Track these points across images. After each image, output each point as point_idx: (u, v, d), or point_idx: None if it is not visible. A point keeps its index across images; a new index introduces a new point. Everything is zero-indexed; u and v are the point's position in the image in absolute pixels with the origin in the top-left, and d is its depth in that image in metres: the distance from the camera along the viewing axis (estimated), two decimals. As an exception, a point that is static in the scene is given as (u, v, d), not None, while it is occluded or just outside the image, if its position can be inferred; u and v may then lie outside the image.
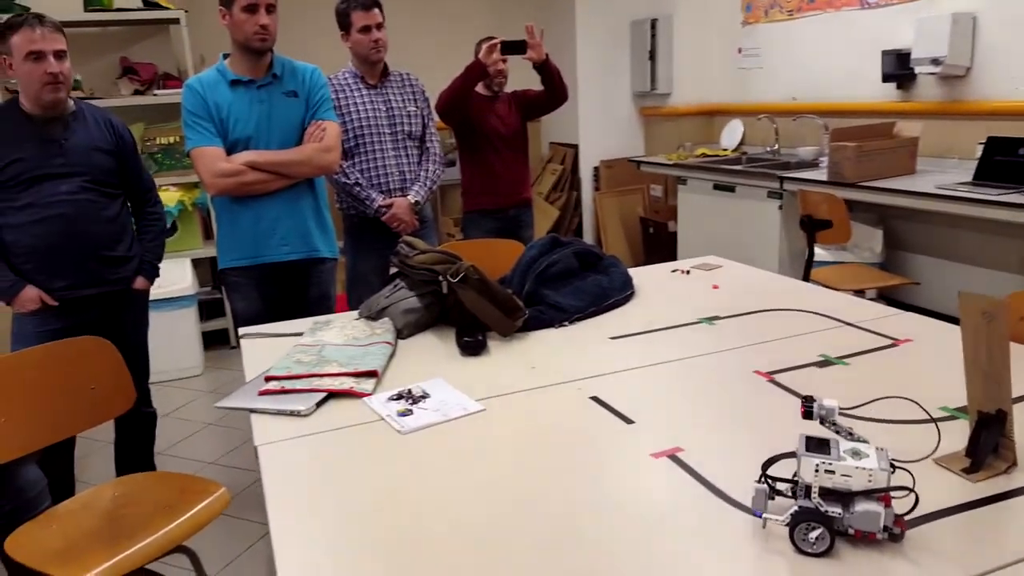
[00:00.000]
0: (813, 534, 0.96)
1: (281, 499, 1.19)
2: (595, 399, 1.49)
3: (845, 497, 0.97)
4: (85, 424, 1.96)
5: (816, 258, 3.66)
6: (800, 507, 0.98)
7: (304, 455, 1.33)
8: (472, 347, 1.75)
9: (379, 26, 2.89)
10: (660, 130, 5.55)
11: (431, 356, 1.77)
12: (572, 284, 2.05)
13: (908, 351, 1.67)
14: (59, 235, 2.30)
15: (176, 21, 4.14)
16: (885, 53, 4.01)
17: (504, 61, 3.35)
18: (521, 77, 3.72)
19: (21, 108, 2.31)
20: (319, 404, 1.50)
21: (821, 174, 3.90)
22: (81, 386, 1.92)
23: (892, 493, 0.97)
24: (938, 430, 1.17)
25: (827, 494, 0.98)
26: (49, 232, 2.29)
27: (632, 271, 2.28)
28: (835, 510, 0.97)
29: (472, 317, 1.82)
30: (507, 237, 3.05)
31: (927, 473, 1.15)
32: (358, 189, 2.93)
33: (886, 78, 4.05)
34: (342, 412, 1.48)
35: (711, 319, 1.94)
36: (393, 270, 2.02)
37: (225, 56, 2.47)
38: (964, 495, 1.10)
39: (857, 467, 0.96)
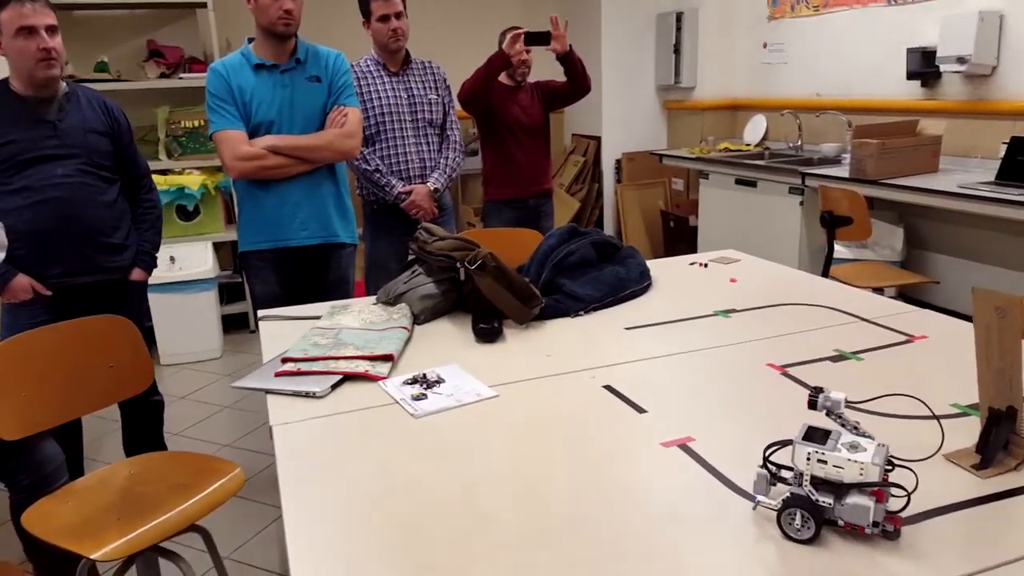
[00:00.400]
0: (798, 520, 0.98)
1: (294, 478, 1.20)
2: (608, 388, 1.49)
3: (840, 489, 0.98)
4: (103, 402, 2.00)
5: (836, 255, 3.63)
6: (792, 493, 1.00)
7: (318, 436, 1.34)
8: (488, 334, 1.76)
9: (399, 15, 2.90)
10: (683, 124, 5.52)
11: (447, 342, 1.78)
12: (589, 274, 2.05)
13: (923, 348, 1.66)
14: (54, 219, 2.23)
15: (203, 5, 4.18)
16: (910, 51, 3.96)
17: (528, 52, 3.35)
18: (545, 68, 3.72)
19: (11, 89, 2.25)
20: (334, 386, 1.51)
21: (843, 171, 3.87)
22: (99, 364, 1.95)
23: (890, 490, 0.97)
24: (941, 428, 1.16)
25: (822, 484, 0.98)
26: (44, 216, 2.23)
27: (650, 263, 2.27)
28: (827, 500, 0.98)
29: (488, 304, 1.82)
30: (527, 227, 3.06)
31: (937, 469, 1.14)
32: (378, 176, 2.95)
33: (910, 76, 4.00)
34: (357, 395, 1.49)
35: (727, 312, 1.94)
36: (411, 256, 2.03)
37: (250, 40, 2.49)
38: (973, 491, 1.09)
39: (849, 459, 0.96)
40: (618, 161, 5.51)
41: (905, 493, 0.98)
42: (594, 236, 2.16)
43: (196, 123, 4.25)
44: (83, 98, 2.35)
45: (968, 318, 1.68)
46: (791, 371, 1.55)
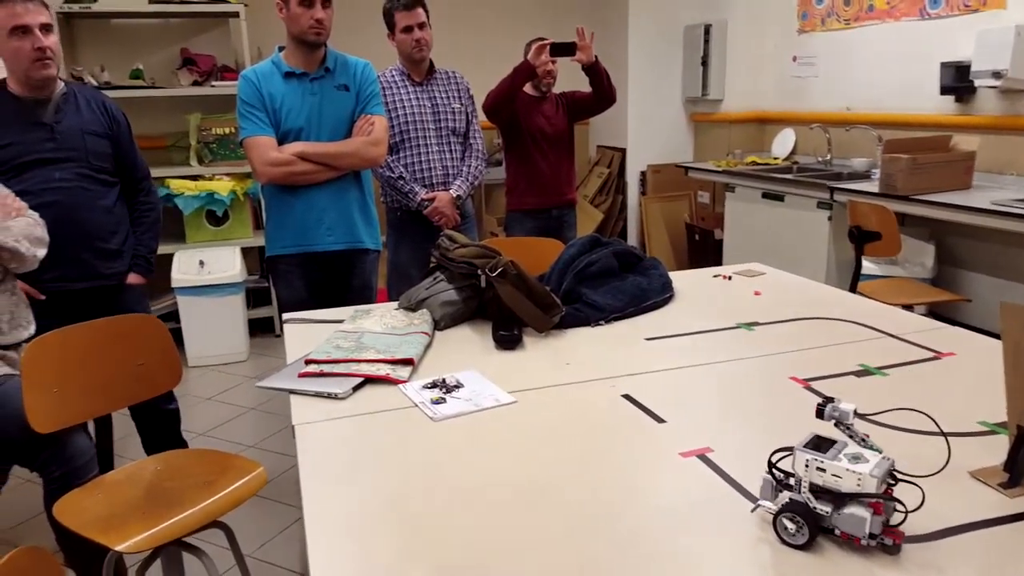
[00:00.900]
0: (792, 525, 0.99)
1: (315, 476, 1.22)
2: (627, 397, 1.49)
3: (840, 498, 0.98)
4: (134, 398, 2.04)
5: (865, 271, 3.59)
6: (791, 499, 1.00)
7: (339, 436, 1.36)
8: (507, 341, 1.77)
9: (421, 25, 2.94)
10: (710, 136, 5.50)
11: (467, 348, 1.79)
12: (610, 284, 2.05)
13: (950, 365, 1.63)
14: (52, 224, 2.15)
15: (236, 14, 4.26)
16: (944, 65, 3.92)
17: (553, 62, 3.37)
18: (571, 78, 3.73)
19: (8, 91, 2.24)
20: (356, 388, 1.53)
21: (873, 186, 3.83)
22: (130, 361, 1.99)
23: (893, 504, 0.97)
24: (948, 445, 1.14)
25: (824, 493, 0.99)
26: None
27: (673, 274, 2.27)
28: (824, 509, 0.98)
29: (509, 312, 1.83)
30: (549, 237, 3.07)
31: (961, 487, 1.13)
32: (402, 183, 2.98)
33: (944, 90, 3.95)
34: (377, 397, 1.51)
35: (750, 325, 1.93)
36: (433, 263, 2.05)
37: (280, 49, 2.54)
38: (998, 510, 1.07)
39: (847, 469, 0.96)
40: (643, 173, 5.50)
41: (903, 508, 0.98)
42: (616, 246, 2.16)
43: (227, 130, 4.32)
44: (81, 99, 2.34)
45: (1000, 336, 1.66)
46: (814, 385, 1.53)
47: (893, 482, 0.99)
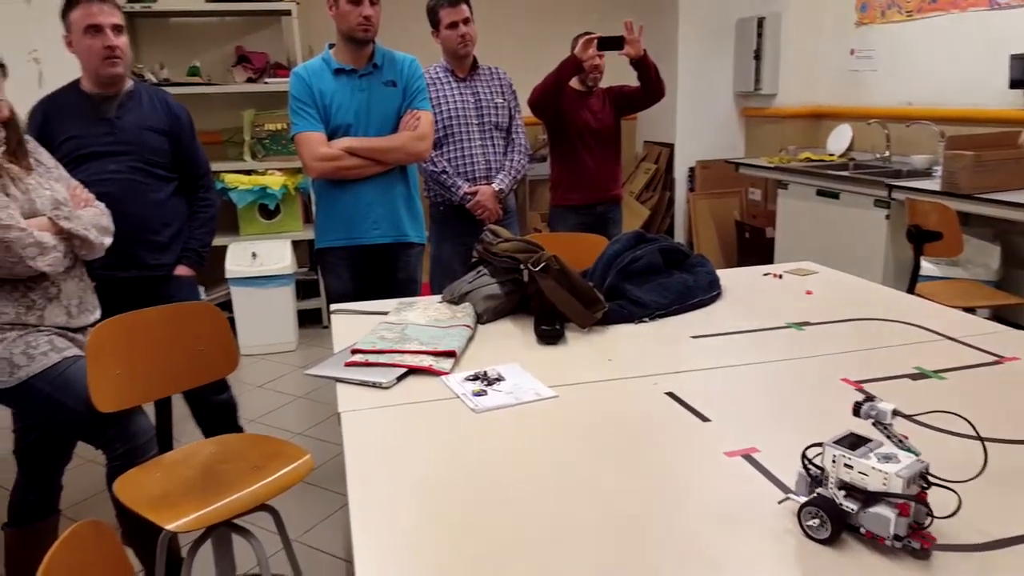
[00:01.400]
0: (815, 520, 0.99)
1: (360, 462, 1.24)
2: (671, 395, 1.47)
3: (870, 497, 0.97)
4: (193, 382, 2.11)
5: (924, 272, 3.48)
6: (819, 494, 1.00)
7: (383, 424, 1.38)
8: (549, 336, 1.76)
9: (466, 21, 2.95)
10: (762, 132, 5.40)
11: (509, 342, 1.79)
12: (655, 280, 2.02)
13: (1013, 369, 1.57)
14: None
15: (288, 12, 4.33)
16: (1014, 57, 3.76)
17: (600, 57, 3.34)
18: (619, 72, 3.70)
19: (81, 88, 2.36)
20: (400, 378, 1.55)
21: (934, 184, 3.70)
22: (190, 347, 2.05)
23: (916, 505, 0.95)
24: (985, 450, 1.08)
25: (854, 490, 0.98)
26: None
27: (721, 272, 2.23)
28: (852, 506, 0.97)
29: (551, 307, 1.83)
30: (594, 234, 3.05)
31: (1011, 497, 1.08)
32: (444, 177, 3.00)
33: (1014, 84, 3.79)
34: (420, 387, 1.52)
35: (800, 324, 1.88)
36: (475, 257, 2.05)
37: (330, 46, 2.57)
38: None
39: (874, 467, 0.95)
40: (691, 169, 5.43)
41: (928, 511, 0.96)
42: (662, 242, 2.13)
43: (279, 126, 4.41)
44: (145, 96, 2.42)
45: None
46: (867, 387, 1.49)
47: (926, 485, 0.96)
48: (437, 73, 3.07)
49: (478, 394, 1.47)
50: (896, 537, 0.94)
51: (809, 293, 2.16)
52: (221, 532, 1.84)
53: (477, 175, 3.06)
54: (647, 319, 1.92)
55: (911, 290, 3.35)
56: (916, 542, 0.94)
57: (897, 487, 0.94)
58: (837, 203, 4.21)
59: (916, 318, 1.90)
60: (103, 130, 2.32)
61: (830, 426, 1.32)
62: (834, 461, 0.99)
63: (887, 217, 3.89)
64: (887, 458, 0.97)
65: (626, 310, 1.92)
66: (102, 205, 2.03)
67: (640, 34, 3.20)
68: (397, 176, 2.60)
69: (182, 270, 2.51)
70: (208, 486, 1.78)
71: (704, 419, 1.37)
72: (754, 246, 5.04)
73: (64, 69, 3.62)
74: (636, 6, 5.41)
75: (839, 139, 4.96)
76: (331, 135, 2.51)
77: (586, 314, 1.83)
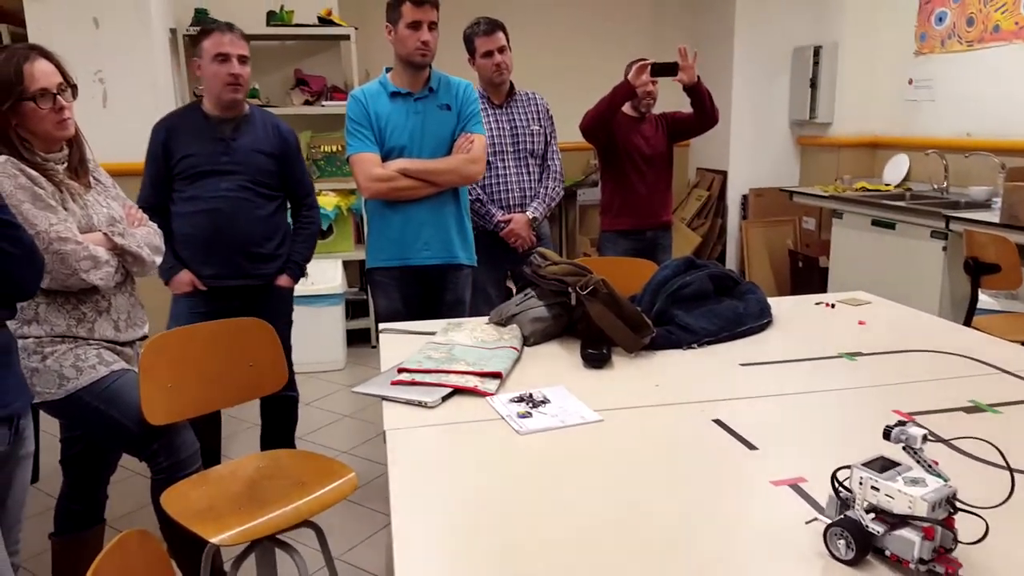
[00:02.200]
0: (841, 541, 0.99)
1: (403, 480, 1.25)
2: (718, 422, 1.46)
3: (897, 520, 0.96)
4: (241, 397, 2.15)
5: (981, 305, 3.37)
6: (846, 515, 1.00)
7: (427, 443, 1.39)
8: (596, 360, 1.76)
9: (501, 50, 2.99)
10: (817, 161, 5.33)
11: (555, 365, 1.79)
12: (705, 307, 2.01)
13: (1077, 407, 1.51)
14: (212, 228, 2.51)
15: (347, 37, 4.45)
16: (1080, 87, 3.66)
17: (654, 83, 3.35)
18: (672, 99, 3.70)
19: (202, 109, 2.56)
20: (445, 398, 1.56)
21: (993, 215, 3.59)
22: (241, 362, 2.10)
23: (943, 530, 0.94)
24: (1012, 478, 1.04)
25: (880, 513, 0.98)
26: (204, 224, 2.52)
27: (772, 300, 2.20)
28: (878, 528, 0.97)
29: (598, 330, 1.82)
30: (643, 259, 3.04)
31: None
32: (478, 205, 3.02)
33: (1079, 115, 3.68)
34: (465, 408, 1.53)
35: (852, 355, 1.84)
36: (510, 280, 2.06)
37: (388, 70, 2.64)
38: None
39: (900, 490, 0.95)
40: (745, 196, 5.38)
41: (952, 536, 0.95)
42: (712, 269, 2.11)
43: (334, 148, 4.51)
44: (259, 120, 2.61)
45: None
46: (919, 419, 1.45)
47: (952, 511, 0.96)
48: None
49: (523, 416, 1.47)
50: (921, 561, 0.94)
51: (862, 323, 2.12)
52: (265, 547, 1.86)
53: (512, 203, 3.08)
54: (695, 345, 1.91)
55: (968, 323, 3.25)
56: (941, 566, 0.94)
57: (922, 510, 0.93)
58: (893, 233, 4.11)
59: (972, 351, 1.84)
60: (219, 150, 2.52)
61: (882, 459, 1.28)
62: (861, 483, 0.99)
63: (944, 249, 3.79)
64: (915, 482, 0.97)
65: (674, 336, 1.91)
66: (154, 226, 2.12)
67: (694, 60, 3.20)
68: (449, 198, 2.64)
69: (283, 280, 2.69)
70: (253, 501, 1.81)
71: (751, 447, 1.35)
72: (807, 275, 4.96)
73: (127, 90, 3.80)
74: (692, 32, 5.44)
75: (896, 169, 4.86)
76: (386, 156, 2.56)
77: (633, 339, 1.83)
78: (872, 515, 0.98)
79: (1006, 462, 1.07)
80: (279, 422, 2.85)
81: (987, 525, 0.96)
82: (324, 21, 4.44)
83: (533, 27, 5.11)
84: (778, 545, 1.05)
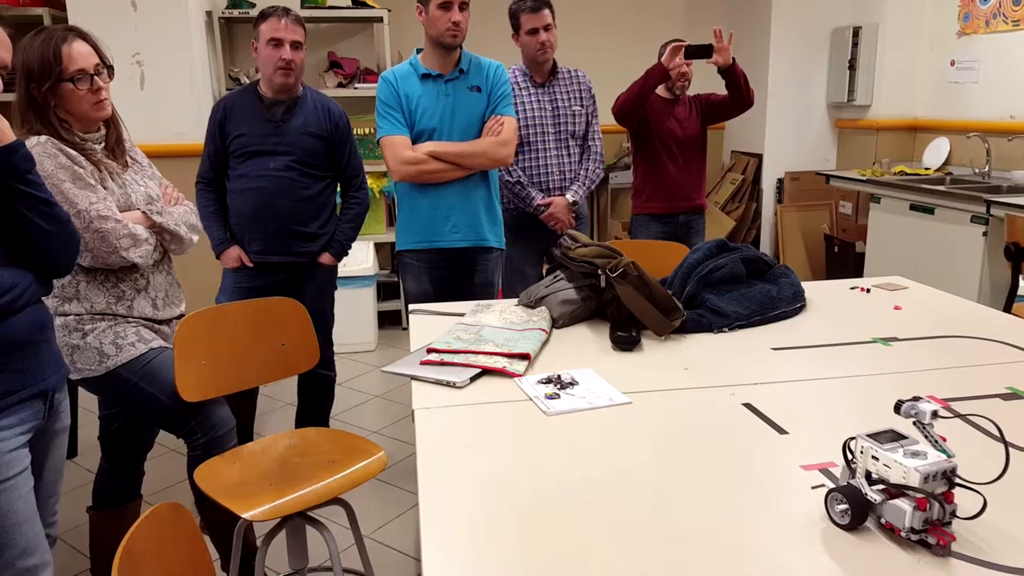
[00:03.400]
0: (840, 507, 1.03)
1: (431, 459, 1.26)
2: (748, 406, 1.44)
3: (893, 488, 1.00)
4: (273, 376, 2.18)
5: (1022, 291, 3.29)
6: (848, 482, 1.05)
7: (455, 423, 1.40)
8: (625, 342, 1.75)
9: (547, 28, 2.95)
10: (855, 144, 5.22)
11: (584, 347, 1.79)
12: (737, 290, 1.99)
13: (1122, 396, 1.47)
14: (258, 205, 2.60)
15: (380, 19, 4.45)
16: None
17: (688, 65, 3.30)
18: (707, 80, 3.65)
19: (258, 91, 2.64)
20: (473, 379, 1.57)
21: (1038, 200, 3.50)
22: (273, 341, 2.14)
23: (940, 504, 0.97)
24: (1007, 455, 1.03)
25: (879, 482, 1.01)
26: (251, 201, 2.60)
27: (806, 284, 2.17)
28: (876, 496, 1.00)
29: (628, 313, 1.82)
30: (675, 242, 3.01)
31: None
32: (519, 187, 3.01)
33: None
34: (494, 388, 1.54)
35: (887, 340, 1.81)
36: (547, 262, 2.05)
37: (418, 51, 2.63)
38: None
39: (896, 460, 0.99)
40: (780, 180, 5.29)
41: (948, 507, 0.98)
42: (744, 252, 2.09)
43: (367, 130, 4.52)
44: (310, 103, 2.67)
45: None
46: (954, 406, 1.43)
47: (949, 486, 0.99)
48: (516, 77, 3.07)
49: (551, 397, 1.47)
50: (912, 530, 0.97)
51: (898, 308, 2.08)
52: (295, 523, 1.89)
53: (552, 185, 3.06)
54: (726, 329, 1.89)
55: (1007, 309, 3.17)
56: (933, 538, 0.97)
57: (915, 481, 0.97)
58: (932, 218, 4.02)
59: (1011, 337, 1.80)
60: (270, 131, 2.60)
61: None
62: (862, 452, 1.03)
63: (984, 234, 3.70)
64: (915, 454, 0.99)
65: (705, 319, 1.89)
66: (191, 204, 2.16)
67: (729, 42, 3.14)
68: (478, 181, 2.63)
69: (326, 259, 2.75)
70: (284, 477, 1.84)
71: (782, 431, 1.34)
72: (843, 260, 4.87)
73: (164, 73, 3.85)
74: (729, 13, 5.34)
75: (936, 152, 4.75)
76: (416, 139, 2.56)
77: (663, 321, 1.81)
78: (879, 486, 1.01)
79: (1002, 438, 1.07)
80: (315, 401, 2.91)
81: (985, 501, 1.00)
82: (357, 3, 4.45)
83: (566, 8, 5.06)
84: (807, 530, 1.04)
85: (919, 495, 0.96)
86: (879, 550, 0.99)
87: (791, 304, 2.02)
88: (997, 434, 1.27)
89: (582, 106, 3.11)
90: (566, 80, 3.11)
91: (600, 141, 3.18)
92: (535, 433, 1.35)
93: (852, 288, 2.30)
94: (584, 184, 3.10)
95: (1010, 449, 1.07)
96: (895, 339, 1.82)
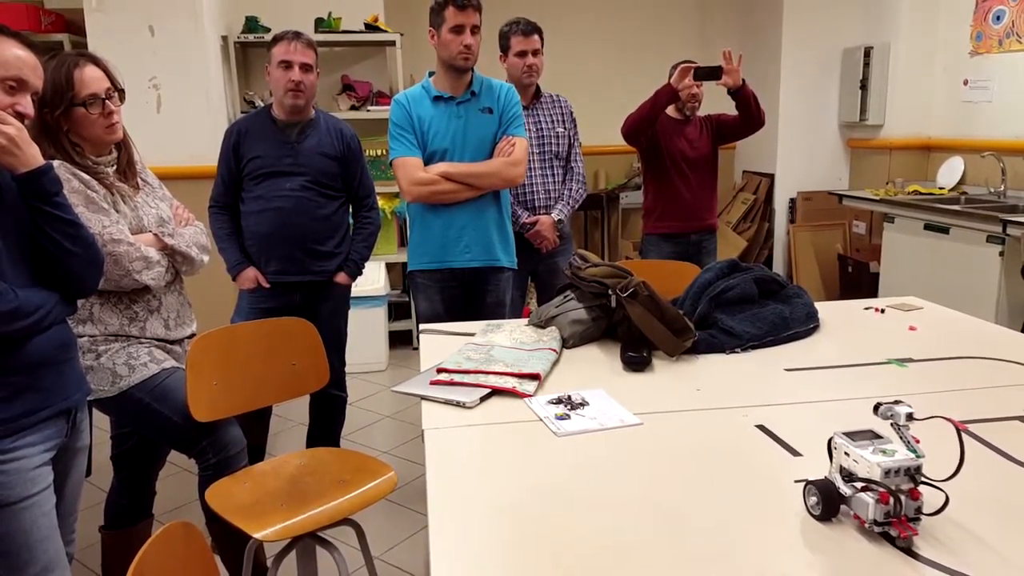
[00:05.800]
0: (813, 498, 1.11)
1: (441, 480, 1.25)
2: (761, 427, 1.43)
3: (862, 483, 1.06)
4: (283, 396, 2.19)
5: (1041, 312, 3.25)
6: (826, 476, 1.12)
7: (465, 443, 1.39)
8: (636, 363, 1.74)
9: (536, 52, 3.00)
10: (868, 163, 5.20)
11: (594, 367, 1.78)
12: (749, 311, 1.97)
13: None
14: (274, 225, 2.62)
15: (392, 43, 4.50)
16: None
17: (698, 86, 3.31)
18: (718, 100, 3.66)
19: (271, 113, 2.67)
20: (483, 399, 1.57)
21: (1055, 219, 3.47)
22: (283, 361, 2.14)
23: (906, 499, 1.03)
24: (961, 447, 1.08)
25: (851, 476, 1.08)
26: (267, 221, 2.62)
27: (819, 305, 2.15)
28: (848, 490, 1.07)
29: (639, 333, 1.81)
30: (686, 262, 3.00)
31: None
32: None
33: None
34: (503, 409, 1.53)
35: (903, 361, 1.79)
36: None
37: (431, 74, 2.66)
38: None
39: (863, 456, 1.06)
40: (792, 200, 5.28)
41: (914, 503, 1.04)
42: (756, 272, 2.08)
43: (379, 152, 4.56)
44: (323, 124, 2.71)
45: None
46: (972, 427, 1.40)
47: (913, 483, 1.05)
48: None
49: (561, 418, 1.47)
50: (876, 522, 1.03)
51: (913, 329, 2.06)
52: (306, 543, 1.89)
53: (537, 204, 3.08)
54: (738, 349, 1.88)
55: (1028, 331, 3.13)
56: (895, 530, 1.02)
57: (877, 475, 1.03)
58: (947, 238, 3.99)
59: (1032, 360, 1.78)
60: (284, 152, 2.63)
61: (929, 465, 1.26)
62: (836, 448, 1.11)
63: (1001, 254, 3.67)
64: (884, 452, 1.06)
65: (717, 340, 1.88)
66: (201, 225, 2.17)
67: (739, 64, 3.15)
68: (490, 201, 2.64)
69: (341, 278, 2.77)
70: (295, 497, 1.84)
71: (795, 453, 1.33)
72: (857, 281, 4.84)
73: (181, 96, 3.90)
74: (740, 33, 5.37)
75: (950, 172, 4.72)
76: (428, 160, 2.58)
77: (675, 342, 1.80)
78: (845, 478, 1.08)
79: (956, 426, 1.12)
80: (326, 421, 2.91)
81: (946, 497, 1.07)
82: (370, 27, 4.50)
83: (580, 28, 5.12)
84: (820, 552, 1.02)
85: (881, 489, 1.02)
86: (839, 536, 1.06)
87: (804, 324, 2.01)
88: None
89: (564, 128, 3.15)
90: (549, 104, 3.16)
91: (582, 163, 3.22)
92: (545, 454, 1.34)
93: (866, 308, 2.28)
94: (568, 203, 3.13)
95: (964, 445, 1.10)
96: (911, 360, 1.80)
